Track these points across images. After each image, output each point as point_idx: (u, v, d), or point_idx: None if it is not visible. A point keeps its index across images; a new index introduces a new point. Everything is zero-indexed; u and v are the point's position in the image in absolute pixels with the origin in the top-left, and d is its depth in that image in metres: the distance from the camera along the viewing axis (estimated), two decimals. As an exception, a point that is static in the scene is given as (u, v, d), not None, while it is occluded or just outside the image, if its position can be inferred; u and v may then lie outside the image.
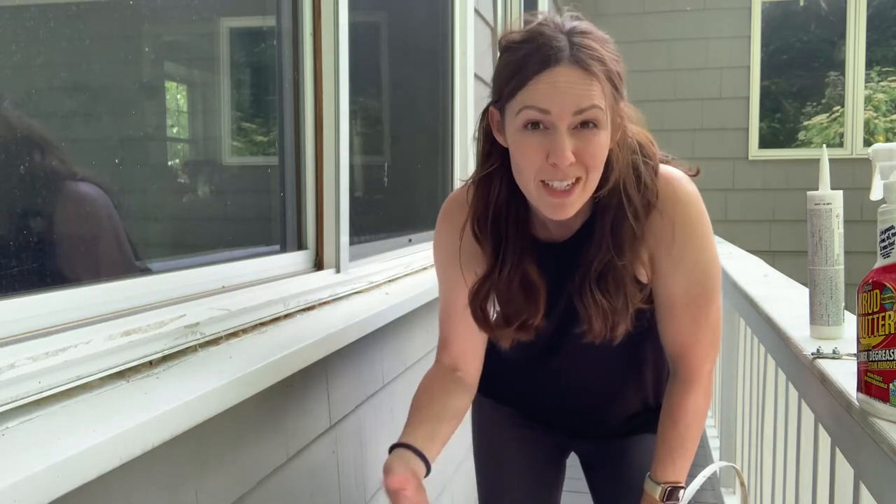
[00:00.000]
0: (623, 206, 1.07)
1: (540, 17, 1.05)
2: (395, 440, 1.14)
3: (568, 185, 1.01)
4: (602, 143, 1.01)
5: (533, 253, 1.15)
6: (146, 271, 1.17)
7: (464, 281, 1.18)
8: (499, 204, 1.12)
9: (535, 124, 1.00)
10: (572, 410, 1.35)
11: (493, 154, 1.11)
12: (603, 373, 1.27)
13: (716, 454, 2.92)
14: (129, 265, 1.16)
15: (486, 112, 1.12)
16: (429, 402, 1.20)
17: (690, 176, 1.14)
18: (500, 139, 1.09)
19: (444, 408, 1.20)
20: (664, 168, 1.12)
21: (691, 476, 1.18)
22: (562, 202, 1.02)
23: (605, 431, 1.35)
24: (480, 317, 1.18)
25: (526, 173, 1.03)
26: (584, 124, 0.99)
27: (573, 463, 1.48)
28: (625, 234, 1.07)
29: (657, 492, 1.18)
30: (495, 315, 1.19)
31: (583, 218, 1.13)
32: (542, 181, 1.02)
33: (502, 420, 1.41)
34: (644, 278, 1.13)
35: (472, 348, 1.24)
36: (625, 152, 1.08)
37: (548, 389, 1.33)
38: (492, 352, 1.29)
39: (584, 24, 1.03)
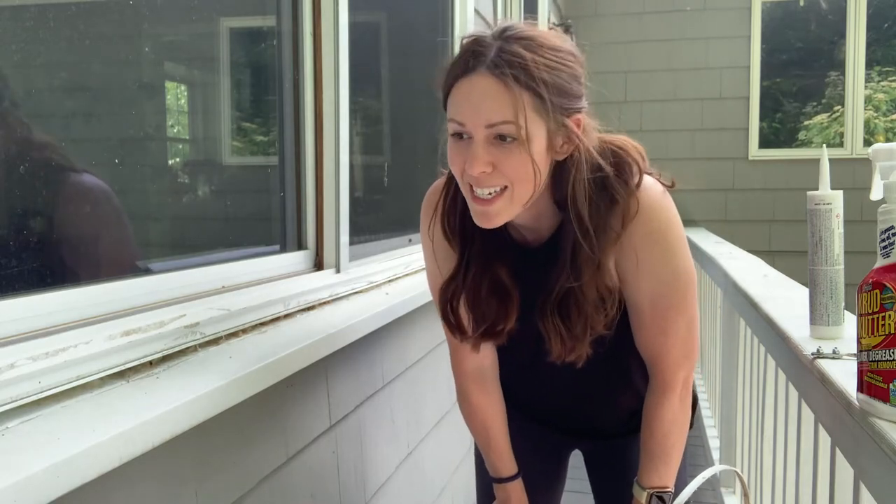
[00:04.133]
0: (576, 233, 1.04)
1: (498, 22, 1.02)
2: (395, 440, 1.15)
3: (490, 193, 0.99)
4: (521, 156, 0.97)
5: (504, 256, 1.13)
6: (147, 271, 1.17)
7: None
8: (466, 205, 1.10)
9: (459, 134, 0.99)
10: (568, 412, 1.35)
11: None
12: (591, 375, 1.26)
13: (716, 454, 2.92)
14: (133, 255, 1.16)
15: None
16: (493, 421, 1.29)
17: (667, 187, 1.09)
18: None
19: (504, 418, 1.31)
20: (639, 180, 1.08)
21: (691, 476, 1.18)
22: (485, 210, 1.00)
23: (606, 430, 1.35)
24: (450, 318, 1.17)
25: (458, 178, 1.03)
26: (502, 137, 0.96)
27: (576, 463, 1.48)
28: (582, 258, 1.04)
29: (643, 497, 1.19)
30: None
31: (551, 223, 1.10)
32: (470, 186, 1.01)
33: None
34: (616, 283, 1.11)
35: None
36: (579, 169, 1.03)
37: (541, 391, 1.33)
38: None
39: (527, 30, 0.98)
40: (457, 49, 1.02)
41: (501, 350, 1.28)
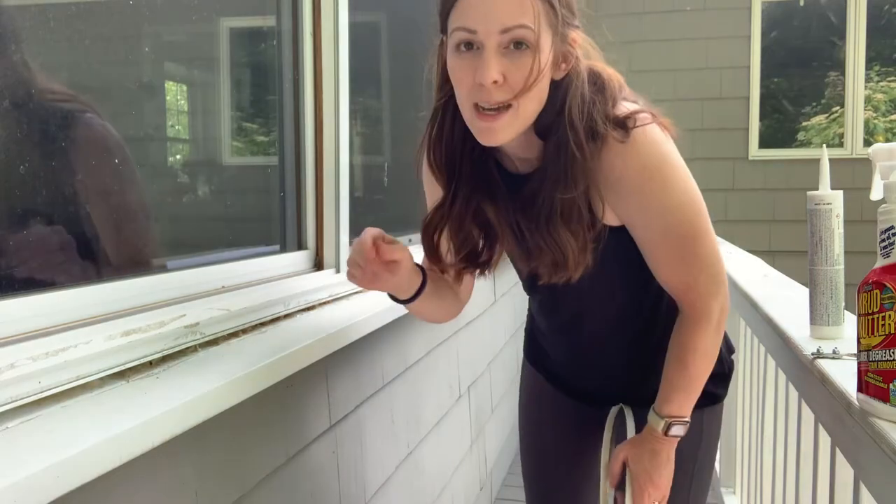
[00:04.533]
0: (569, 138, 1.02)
1: None
2: (395, 440, 1.15)
3: (496, 108, 0.98)
4: (531, 66, 0.96)
5: (493, 188, 1.13)
6: (147, 271, 1.17)
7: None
8: (454, 136, 1.09)
9: (467, 45, 0.97)
10: (599, 377, 1.33)
11: (447, 84, 1.08)
12: (614, 331, 1.26)
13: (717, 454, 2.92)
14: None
15: (441, 43, 1.09)
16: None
17: (664, 128, 1.08)
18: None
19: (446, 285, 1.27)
20: (627, 109, 1.06)
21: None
22: (489, 126, 0.99)
23: (643, 398, 1.28)
24: (431, 249, 1.17)
25: (461, 96, 1.01)
26: (517, 45, 0.95)
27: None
28: (574, 167, 1.03)
29: (660, 425, 1.16)
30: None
31: (538, 154, 1.09)
32: (476, 104, 0.99)
33: (544, 386, 1.44)
34: (613, 221, 1.10)
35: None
36: (578, 83, 1.03)
37: (571, 355, 1.35)
38: (532, 321, 1.39)
39: None
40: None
41: (542, 311, 1.33)
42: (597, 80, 1.07)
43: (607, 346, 1.29)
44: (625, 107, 1.06)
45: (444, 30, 1.03)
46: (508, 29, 0.95)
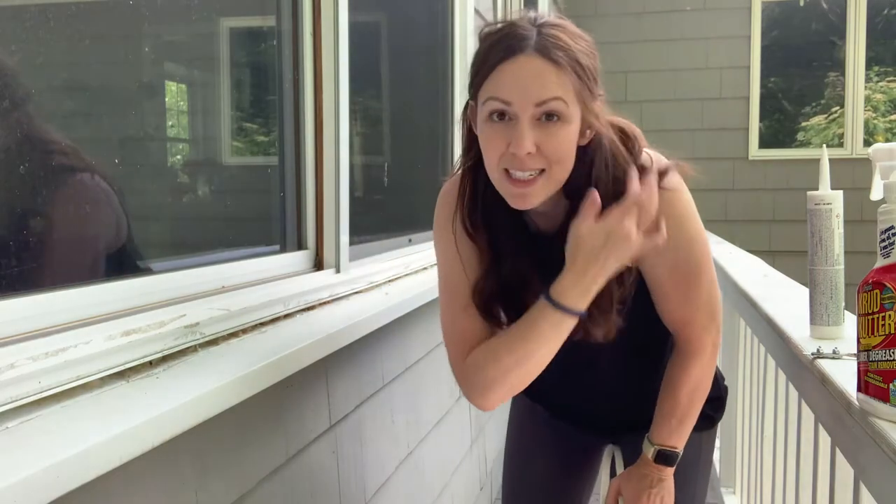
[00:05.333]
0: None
1: (521, 14, 1.06)
2: (395, 440, 1.15)
3: (529, 175, 1.01)
4: (565, 136, 1.00)
5: (528, 246, 1.15)
6: (147, 271, 1.17)
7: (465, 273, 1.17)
8: (487, 196, 1.11)
9: (500, 115, 1.00)
10: (596, 409, 1.36)
11: (474, 147, 1.10)
12: (614, 371, 1.27)
13: (716, 454, 2.93)
14: (131, 257, 1.17)
15: (467, 106, 1.11)
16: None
17: (681, 171, 1.11)
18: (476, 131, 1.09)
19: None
20: (649, 156, 1.10)
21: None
22: (522, 192, 1.02)
23: (640, 424, 1.30)
24: (492, 315, 1.17)
25: (491, 162, 1.04)
26: (549, 116, 0.99)
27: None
28: None
29: (650, 452, 1.20)
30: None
31: (562, 211, 1.11)
32: (506, 170, 1.02)
33: (535, 415, 1.44)
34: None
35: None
36: (601, 151, 1.07)
37: (570, 389, 1.34)
38: None
39: (558, 20, 1.03)
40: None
41: None
42: (621, 133, 1.10)
43: (612, 382, 1.31)
44: (647, 154, 1.10)
45: (474, 97, 1.06)
46: (543, 102, 0.98)
